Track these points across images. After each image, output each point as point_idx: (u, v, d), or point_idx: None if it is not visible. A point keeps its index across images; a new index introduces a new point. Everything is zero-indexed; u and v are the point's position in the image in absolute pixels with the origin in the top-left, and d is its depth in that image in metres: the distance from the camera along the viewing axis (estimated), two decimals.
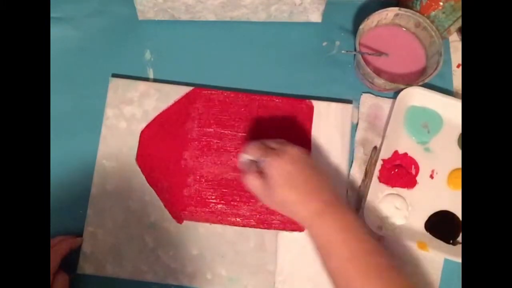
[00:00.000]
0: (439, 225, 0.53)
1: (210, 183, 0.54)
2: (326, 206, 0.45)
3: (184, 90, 0.56)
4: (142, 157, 0.54)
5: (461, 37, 0.61)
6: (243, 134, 0.55)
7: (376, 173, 0.54)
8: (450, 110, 0.56)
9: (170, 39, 0.59)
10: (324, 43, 0.61)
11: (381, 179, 0.54)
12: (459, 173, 0.55)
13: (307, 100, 0.56)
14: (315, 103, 0.56)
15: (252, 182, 0.47)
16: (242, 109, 0.56)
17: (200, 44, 0.59)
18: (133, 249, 0.51)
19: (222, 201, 0.53)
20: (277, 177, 0.45)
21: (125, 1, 0.59)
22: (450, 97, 0.56)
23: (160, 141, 0.55)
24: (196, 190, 0.53)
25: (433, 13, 0.56)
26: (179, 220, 0.53)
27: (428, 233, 0.53)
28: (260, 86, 0.58)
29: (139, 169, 0.54)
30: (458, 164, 0.55)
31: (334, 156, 0.55)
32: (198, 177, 0.54)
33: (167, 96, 0.56)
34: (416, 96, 0.56)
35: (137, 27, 0.60)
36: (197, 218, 0.53)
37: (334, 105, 0.56)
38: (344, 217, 0.45)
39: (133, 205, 0.53)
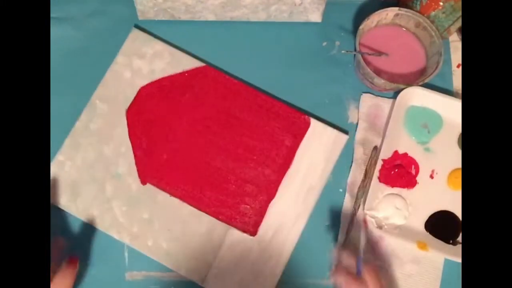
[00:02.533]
0: (439, 225, 0.53)
1: (186, 160, 0.54)
2: None
3: (195, 63, 0.57)
4: (133, 111, 0.55)
5: (461, 37, 0.61)
6: (235, 125, 0.55)
7: (376, 173, 0.54)
8: (450, 110, 0.56)
9: (170, 39, 0.59)
10: (324, 43, 0.61)
11: (381, 179, 0.54)
12: (459, 173, 0.55)
13: (306, 116, 0.56)
14: (313, 121, 0.56)
15: None
16: (243, 102, 0.56)
17: (200, 44, 0.59)
18: (91, 192, 0.53)
19: (191, 181, 0.53)
20: None
21: (125, 1, 0.59)
22: (450, 97, 0.56)
23: (155, 103, 0.56)
24: (170, 161, 0.54)
25: (433, 13, 0.56)
26: (143, 181, 0.53)
27: (428, 233, 0.53)
28: (259, 86, 0.58)
29: (126, 121, 0.55)
30: (458, 164, 0.55)
31: (310, 179, 0.54)
32: (176, 150, 0.54)
33: (178, 63, 0.57)
34: (416, 96, 0.56)
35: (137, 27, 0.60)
36: (160, 185, 0.53)
37: (330, 130, 0.56)
38: None
39: (108, 151, 0.54)
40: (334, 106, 0.58)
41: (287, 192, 0.54)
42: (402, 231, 0.53)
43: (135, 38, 0.58)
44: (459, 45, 0.61)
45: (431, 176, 0.55)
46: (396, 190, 0.54)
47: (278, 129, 0.55)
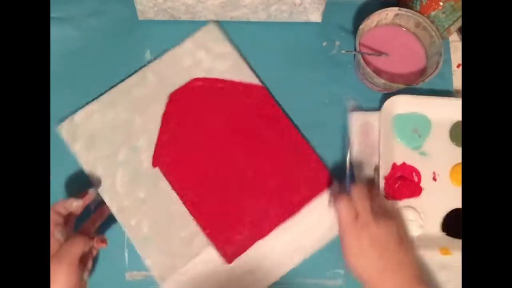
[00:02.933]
0: (455, 224, 0.53)
1: (201, 164, 0.53)
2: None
3: (253, 80, 0.56)
4: (176, 97, 0.56)
5: (461, 37, 0.61)
6: (261, 153, 0.54)
7: (382, 192, 0.53)
8: (435, 108, 0.56)
9: (170, 39, 0.59)
10: (324, 43, 0.61)
11: (388, 196, 0.53)
12: (460, 168, 0.55)
13: (330, 175, 0.53)
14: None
15: (345, 210, 0.45)
16: (278, 134, 0.55)
17: None
18: (104, 151, 0.53)
19: (197, 186, 0.53)
20: (368, 239, 0.44)
21: (125, 1, 0.59)
22: (431, 96, 0.56)
23: (199, 98, 0.55)
24: (187, 158, 0.53)
25: (433, 13, 0.56)
26: (155, 163, 0.53)
27: (447, 236, 0.53)
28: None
29: (166, 102, 0.55)
30: (456, 159, 0.55)
31: (306, 238, 0.53)
32: (197, 151, 0.54)
33: (238, 72, 0.57)
34: (399, 104, 0.56)
35: (137, 27, 0.59)
36: (168, 175, 0.53)
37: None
38: None
39: (137, 121, 0.55)
40: (334, 106, 0.58)
41: (279, 239, 0.52)
42: (422, 242, 0.52)
43: (209, 31, 0.58)
44: (459, 45, 0.61)
45: (434, 179, 0.55)
46: (404, 202, 0.54)
47: (299, 174, 0.54)
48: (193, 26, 0.60)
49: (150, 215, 0.52)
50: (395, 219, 0.46)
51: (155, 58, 0.57)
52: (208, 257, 0.51)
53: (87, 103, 0.55)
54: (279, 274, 0.52)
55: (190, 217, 0.52)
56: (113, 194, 0.52)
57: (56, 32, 0.58)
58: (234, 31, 0.60)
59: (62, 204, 0.47)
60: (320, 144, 0.56)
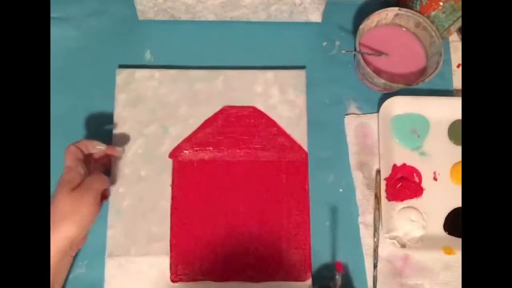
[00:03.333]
0: (457, 223, 0.53)
1: (206, 182, 0.53)
2: None
3: (302, 141, 0.55)
4: (228, 112, 0.55)
5: (461, 37, 0.61)
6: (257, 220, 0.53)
7: (383, 193, 0.53)
8: (432, 108, 0.56)
9: (170, 39, 0.59)
10: (324, 43, 0.61)
11: (389, 198, 0.54)
12: (460, 167, 0.55)
13: (309, 274, 0.52)
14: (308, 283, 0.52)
15: None
16: (289, 209, 0.53)
17: (200, 44, 0.59)
18: (142, 116, 0.55)
19: (189, 200, 0.53)
20: None
21: (125, 1, 0.59)
22: (428, 96, 0.56)
23: (245, 126, 0.55)
24: (196, 165, 0.54)
25: (433, 13, 0.56)
26: (172, 155, 0.54)
27: (450, 235, 0.53)
28: None
29: (218, 109, 0.55)
30: (456, 158, 0.55)
31: None
32: (208, 163, 0.54)
33: (294, 127, 0.55)
34: (397, 105, 0.56)
35: (137, 27, 0.60)
36: (175, 173, 0.53)
37: None
38: None
39: (183, 110, 0.55)
40: (334, 106, 0.58)
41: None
42: (425, 242, 0.52)
43: (296, 76, 0.57)
44: (459, 45, 0.61)
45: (435, 178, 0.55)
46: (406, 203, 0.54)
47: (285, 253, 0.52)
48: (193, 26, 0.60)
49: (138, 194, 0.53)
50: None
51: (231, 67, 0.57)
52: (160, 264, 0.51)
53: (153, 67, 0.57)
54: None
55: (169, 220, 0.52)
56: (125, 158, 0.53)
57: (56, 32, 0.58)
58: (234, 31, 0.60)
59: (85, 143, 0.48)
60: (320, 144, 0.56)
